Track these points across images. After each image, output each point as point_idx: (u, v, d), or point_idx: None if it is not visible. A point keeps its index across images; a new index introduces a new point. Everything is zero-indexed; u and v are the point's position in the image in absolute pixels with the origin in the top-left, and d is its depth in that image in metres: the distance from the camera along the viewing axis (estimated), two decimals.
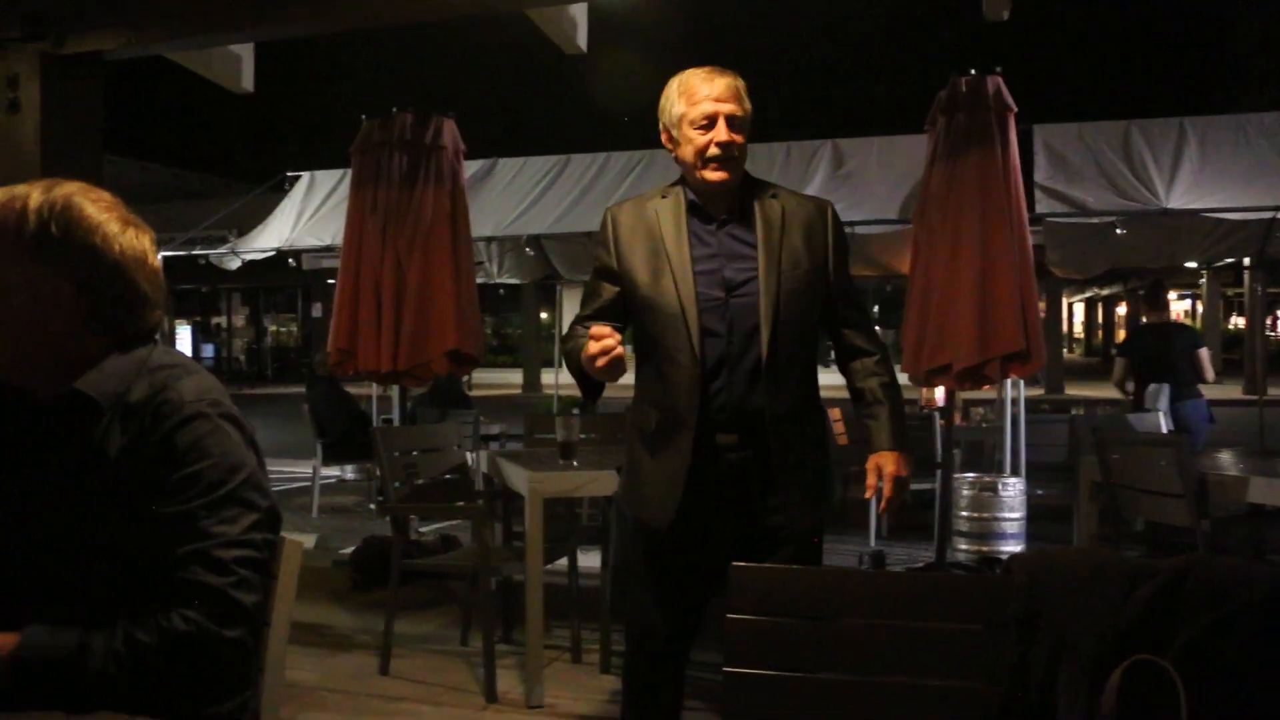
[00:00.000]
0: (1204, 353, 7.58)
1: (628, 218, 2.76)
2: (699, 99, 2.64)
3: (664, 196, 2.75)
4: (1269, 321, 30.31)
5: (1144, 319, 8.17)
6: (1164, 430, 6.71)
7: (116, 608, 1.63)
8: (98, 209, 1.73)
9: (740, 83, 2.69)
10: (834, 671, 1.81)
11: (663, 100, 2.73)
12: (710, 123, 2.63)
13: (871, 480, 2.74)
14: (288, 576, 1.87)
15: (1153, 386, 7.61)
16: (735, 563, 1.87)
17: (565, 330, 2.81)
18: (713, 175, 2.65)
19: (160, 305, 1.80)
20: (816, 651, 1.82)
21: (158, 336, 1.81)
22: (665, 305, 2.65)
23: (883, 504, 2.73)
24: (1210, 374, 7.60)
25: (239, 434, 1.73)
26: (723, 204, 2.72)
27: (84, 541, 1.66)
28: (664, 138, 2.76)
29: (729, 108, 2.64)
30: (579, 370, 2.62)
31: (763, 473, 2.65)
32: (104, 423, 1.68)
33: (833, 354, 2.87)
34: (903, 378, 4.29)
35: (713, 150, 2.63)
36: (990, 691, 1.72)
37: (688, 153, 2.67)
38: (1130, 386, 7.91)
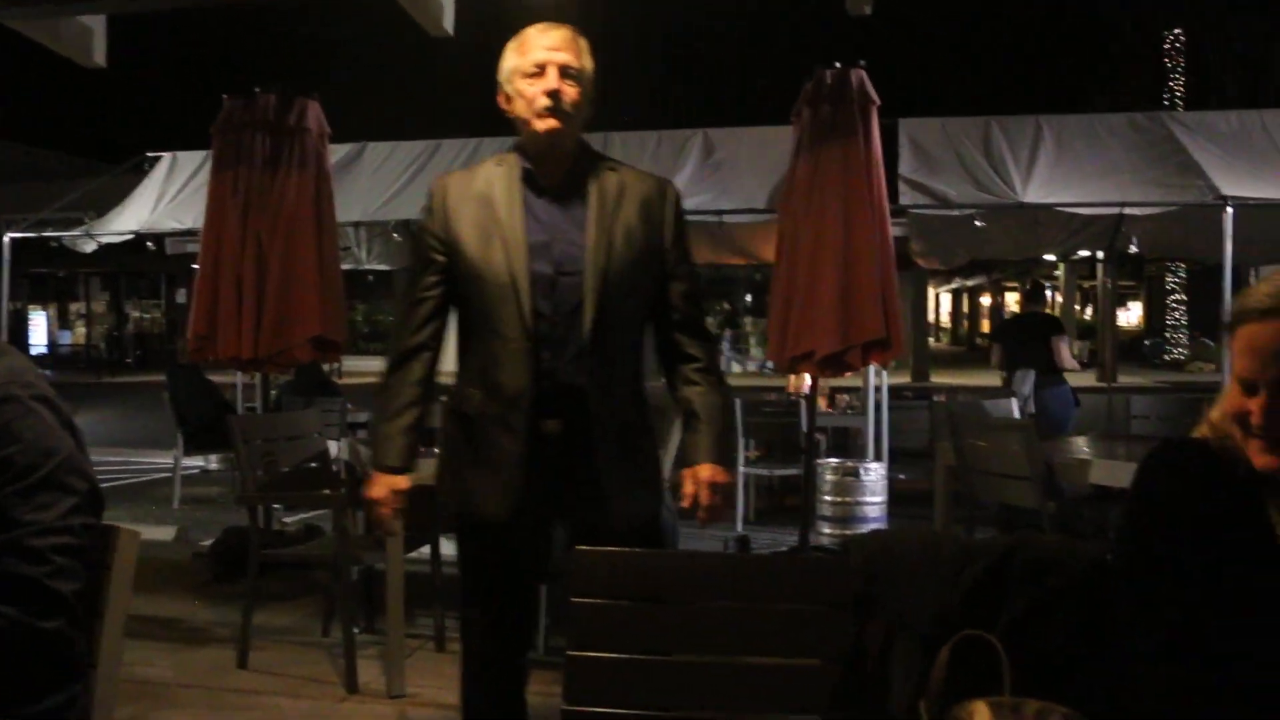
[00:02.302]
0: (1059, 341, 7.90)
1: (457, 184, 2.59)
2: (531, 48, 2.50)
3: (497, 164, 2.58)
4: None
5: (1019, 309, 8.60)
6: (1017, 415, 6.96)
7: None
8: None
9: (580, 38, 2.54)
10: (678, 653, 1.83)
11: (500, 61, 2.56)
12: (540, 70, 2.47)
13: (688, 488, 2.56)
14: (122, 567, 1.80)
15: (1019, 372, 7.96)
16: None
17: (400, 327, 2.64)
18: (542, 124, 2.47)
19: None
20: (661, 634, 1.84)
21: None
22: (495, 276, 2.48)
23: (701, 512, 2.56)
24: (1068, 361, 7.94)
25: (54, 416, 1.66)
26: (557, 169, 2.55)
27: None
28: (500, 99, 2.57)
29: (562, 57, 2.48)
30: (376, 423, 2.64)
31: (589, 459, 2.49)
32: None
33: (654, 348, 2.69)
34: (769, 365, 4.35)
35: (541, 100, 2.45)
36: (829, 669, 1.77)
37: (520, 107, 2.50)
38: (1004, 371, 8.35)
